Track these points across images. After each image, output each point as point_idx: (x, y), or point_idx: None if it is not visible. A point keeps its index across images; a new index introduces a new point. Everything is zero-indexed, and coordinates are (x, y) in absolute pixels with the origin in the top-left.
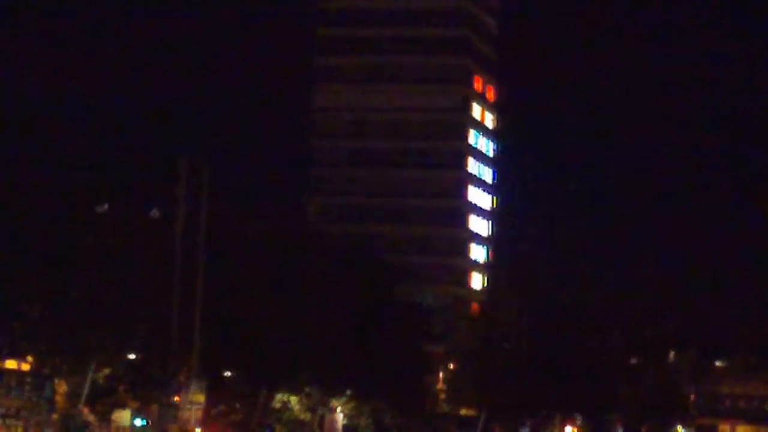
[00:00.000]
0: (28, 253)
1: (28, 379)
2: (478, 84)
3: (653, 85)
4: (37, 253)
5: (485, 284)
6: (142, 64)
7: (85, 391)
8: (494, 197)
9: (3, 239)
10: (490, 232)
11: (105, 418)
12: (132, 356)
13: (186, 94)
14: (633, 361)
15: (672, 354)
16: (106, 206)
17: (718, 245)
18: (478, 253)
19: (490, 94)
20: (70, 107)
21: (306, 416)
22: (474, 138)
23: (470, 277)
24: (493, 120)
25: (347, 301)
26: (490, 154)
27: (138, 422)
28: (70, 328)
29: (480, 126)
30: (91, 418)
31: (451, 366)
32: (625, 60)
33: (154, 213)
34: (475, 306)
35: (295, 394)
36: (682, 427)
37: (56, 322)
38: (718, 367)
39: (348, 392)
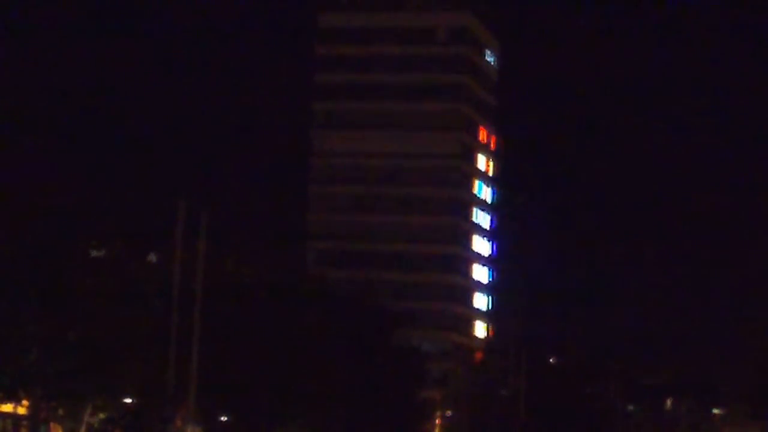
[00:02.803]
0: (25, 297)
1: (24, 423)
2: (478, 131)
3: (657, 128)
4: (34, 296)
5: (489, 334)
6: (140, 106)
7: None
8: (493, 244)
9: (0, 283)
10: (489, 279)
11: None
12: (128, 400)
13: (185, 139)
14: (630, 408)
15: (669, 401)
16: (103, 251)
17: (712, 296)
18: (481, 301)
19: (488, 139)
20: (67, 150)
21: None
22: (478, 188)
23: (473, 325)
24: (492, 166)
25: (345, 346)
26: (489, 200)
27: None
28: (67, 372)
29: (480, 173)
30: None
31: (448, 412)
32: (626, 103)
33: (152, 257)
34: (478, 354)
35: None
36: None
37: (53, 366)
38: (715, 414)
39: None
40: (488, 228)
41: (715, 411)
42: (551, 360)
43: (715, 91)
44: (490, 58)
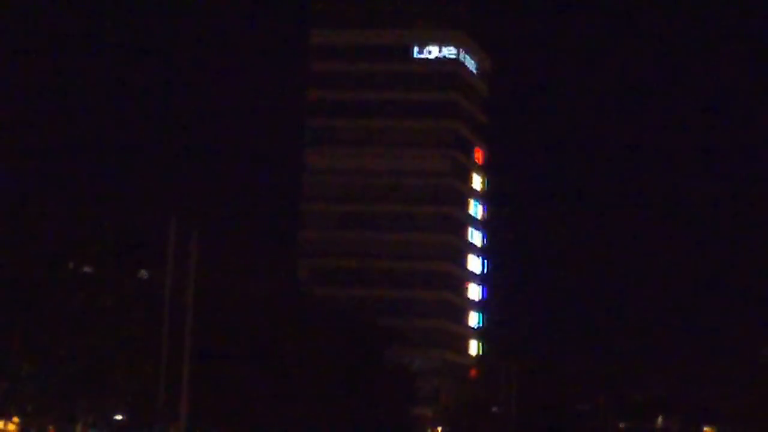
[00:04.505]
0: (16, 313)
1: None
2: (472, 149)
3: (646, 142)
4: (24, 312)
5: (481, 351)
6: (134, 123)
7: None
8: (485, 261)
9: None
10: (481, 296)
11: None
12: (119, 417)
13: (177, 156)
14: (621, 425)
15: (660, 418)
16: (94, 267)
17: (704, 312)
18: (474, 319)
19: (479, 157)
20: (58, 168)
21: None
22: (474, 207)
23: (466, 342)
24: (482, 183)
25: (336, 364)
26: (480, 217)
27: None
28: (57, 388)
29: (473, 191)
30: None
31: (440, 429)
32: (617, 117)
33: (143, 274)
34: (472, 372)
35: None
36: None
37: (43, 382)
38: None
39: None
40: (480, 246)
41: (707, 429)
42: (541, 377)
43: (708, 106)
44: (481, 76)
